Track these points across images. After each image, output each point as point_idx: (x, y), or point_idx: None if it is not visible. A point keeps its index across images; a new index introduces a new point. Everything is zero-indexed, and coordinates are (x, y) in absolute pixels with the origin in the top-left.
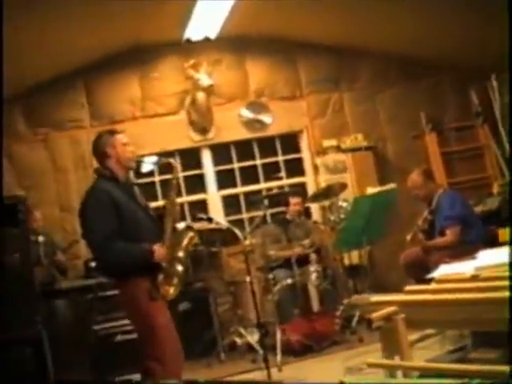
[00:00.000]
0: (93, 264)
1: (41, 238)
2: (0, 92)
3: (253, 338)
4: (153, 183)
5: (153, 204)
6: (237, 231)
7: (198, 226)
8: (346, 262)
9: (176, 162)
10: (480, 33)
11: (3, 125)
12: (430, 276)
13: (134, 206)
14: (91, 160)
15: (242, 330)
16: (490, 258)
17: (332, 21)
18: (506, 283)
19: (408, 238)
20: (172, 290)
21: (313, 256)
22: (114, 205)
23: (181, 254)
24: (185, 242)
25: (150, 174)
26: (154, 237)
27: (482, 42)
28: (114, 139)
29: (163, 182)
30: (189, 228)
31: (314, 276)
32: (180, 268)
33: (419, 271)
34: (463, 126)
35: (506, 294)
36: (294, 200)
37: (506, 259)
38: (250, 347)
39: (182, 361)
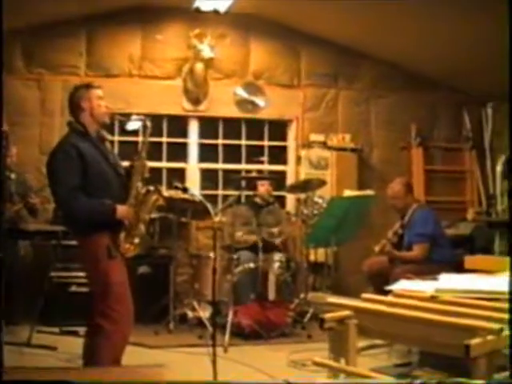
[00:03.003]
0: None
1: (13, 176)
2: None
3: (204, 313)
4: (137, 143)
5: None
6: (209, 206)
7: (171, 193)
8: (312, 257)
9: (162, 126)
10: (486, 62)
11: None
12: (389, 288)
13: (102, 162)
14: None
15: (196, 304)
16: (451, 281)
17: (342, 19)
18: (461, 310)
19: (376, 249)
20: (132, 249)
21: (279, 245)
22: (82, 160)
23: (145, 214)
24: (149, 203)
25: (135, 133)
26: (119, 194)
27: (486, 70)
28: (90, 93)
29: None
30: (155, 190)
31: (276, 265)
32: (142, 228)
33: (380, 281)
34: (451, 148)
35: (461, 320)
36: (260, 182)
37: (466, 286)
38: (200, 322)
39: (132, 322)
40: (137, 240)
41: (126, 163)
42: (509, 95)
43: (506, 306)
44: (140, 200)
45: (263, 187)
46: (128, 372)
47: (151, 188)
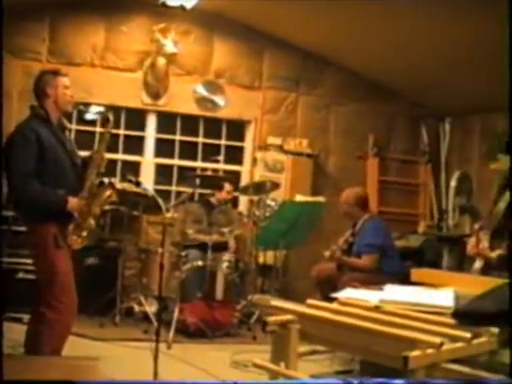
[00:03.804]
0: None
1: None
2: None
3: (151, 308)
4: (93, 133)
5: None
6: (160, 201)
7: (125, 185)
8: (261, 259)
9: (120, 118)
10: (447, 78)
11: None
12: (334, 295)
13: (60, 150)
14: None
15: (142, 299)
16: (396, 293)
17: (308, 24)
18: (403, 321)
19: (326, 254)
20: (79, 242)
21: (229, 245)
22: (40, 146)
23: (96, 208)
24: (102, 197)
25: (93, 123)
26: (74, 184)
27: (446, 85)
28: (57, 80)
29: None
30: (110, 185)
31: (225, 265)
32: (92, 222)
33: (328, 288)
34: (407, 160)
35: (402, 332)
36: (228, 187)
37: (410, 298)
38: (146, 317)
39: (75, 313)
40: (85, 233)
41: (81, 153)
42: (509, 101)
43: (448, 320)
44: (93, 193)
45: (226, 194)
46: (63, 362)
47: (105, 180)
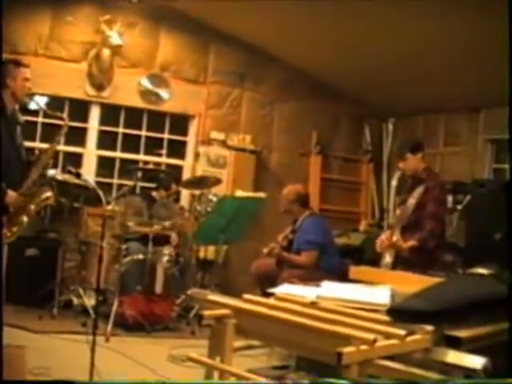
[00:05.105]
0: None
1: None
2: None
3: (90, 301)
4: (35, 123)
5: (28, 143)
6: (101, 194)
7: (65, 177)
8: (202, 254)
9: (64, 110)
10: (391, 78)
11: None
12: (271, 290)
13: (8, 142)
14: None
15: (81, 291)
16: (333, 289)
17: (255, 19)
18: (339, 318)
19: (265, 251)
20: (8, 236)
21: (169, 239)
22: None
23: (32, 207)
24: (40, 198)
25: (35, 113)
26: (16, 179)
27: (390, 85)
28: (18, 72)
29: (45, 125)
30: (50, 186)
31: (165, 258)
32: (25, 219)
33: (267, 283)
34: (349, 158)
35: (336, 328)
36: (174, 188)
37: (347, 295)
38: (85, 310)
39: None
40: (15, 229)
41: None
42: (509, 99)
43: (383, 317)
44: (32, 192)
45: (172, 194)
46: None
47: (48, 172)
